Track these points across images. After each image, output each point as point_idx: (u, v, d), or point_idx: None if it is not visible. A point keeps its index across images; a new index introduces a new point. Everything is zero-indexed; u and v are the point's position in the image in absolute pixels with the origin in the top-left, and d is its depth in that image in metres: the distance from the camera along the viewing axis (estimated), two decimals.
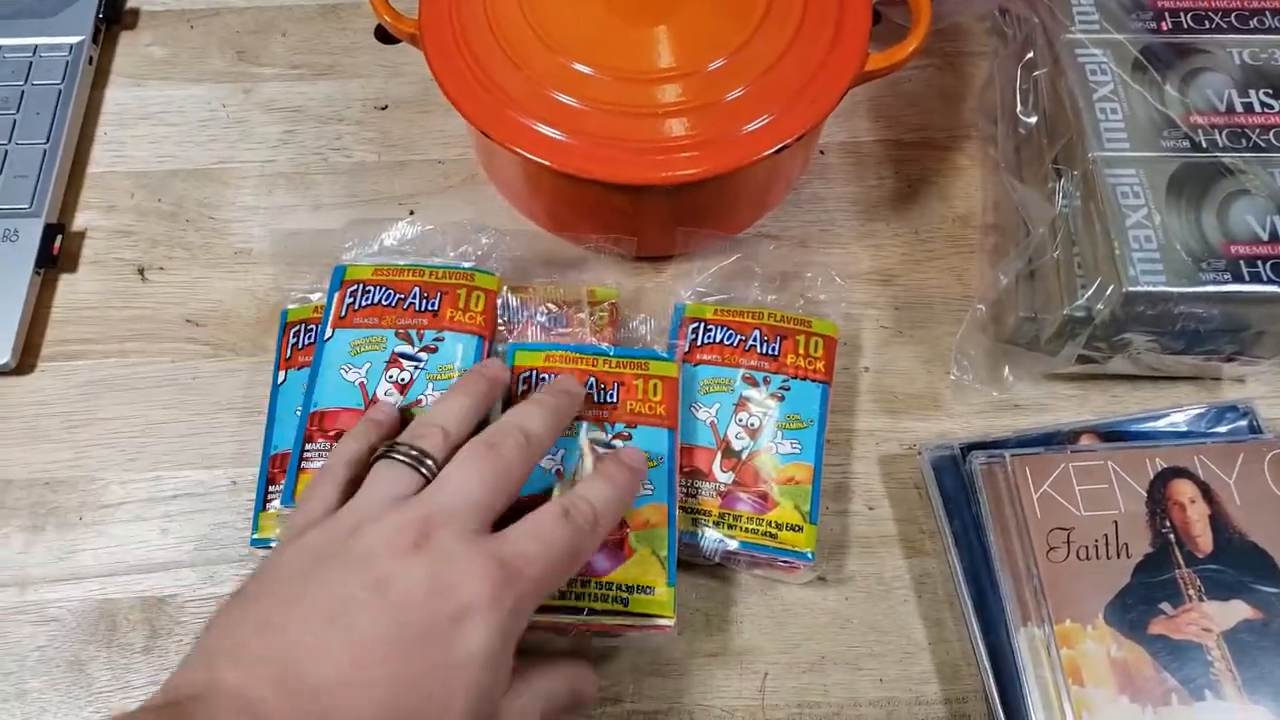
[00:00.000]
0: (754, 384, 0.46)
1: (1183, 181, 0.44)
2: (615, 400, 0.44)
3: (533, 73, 0.45)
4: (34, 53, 0.58)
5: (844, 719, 0.43)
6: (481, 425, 0.38)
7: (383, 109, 0.58)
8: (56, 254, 0.53)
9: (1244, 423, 0.48)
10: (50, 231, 0.53)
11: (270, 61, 0.60)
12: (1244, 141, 0.45)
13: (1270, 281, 0.42)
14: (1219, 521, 0.43)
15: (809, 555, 0.43)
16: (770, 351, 0.47)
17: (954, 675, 0.44)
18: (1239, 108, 0.46)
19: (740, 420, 0.45)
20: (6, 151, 0.55)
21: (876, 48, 0.47)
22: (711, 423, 0.45)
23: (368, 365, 0.44)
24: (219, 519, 0.47)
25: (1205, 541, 0.43)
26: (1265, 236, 0.43)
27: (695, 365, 0.47)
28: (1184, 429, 0.48)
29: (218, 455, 0.48)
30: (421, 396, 0.43)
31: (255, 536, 0.43)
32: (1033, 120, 0.49)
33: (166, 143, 0.57)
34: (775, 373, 0.46)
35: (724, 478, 0.44)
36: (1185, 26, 0.49)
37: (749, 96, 0.45)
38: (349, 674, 0.30)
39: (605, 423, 0.43)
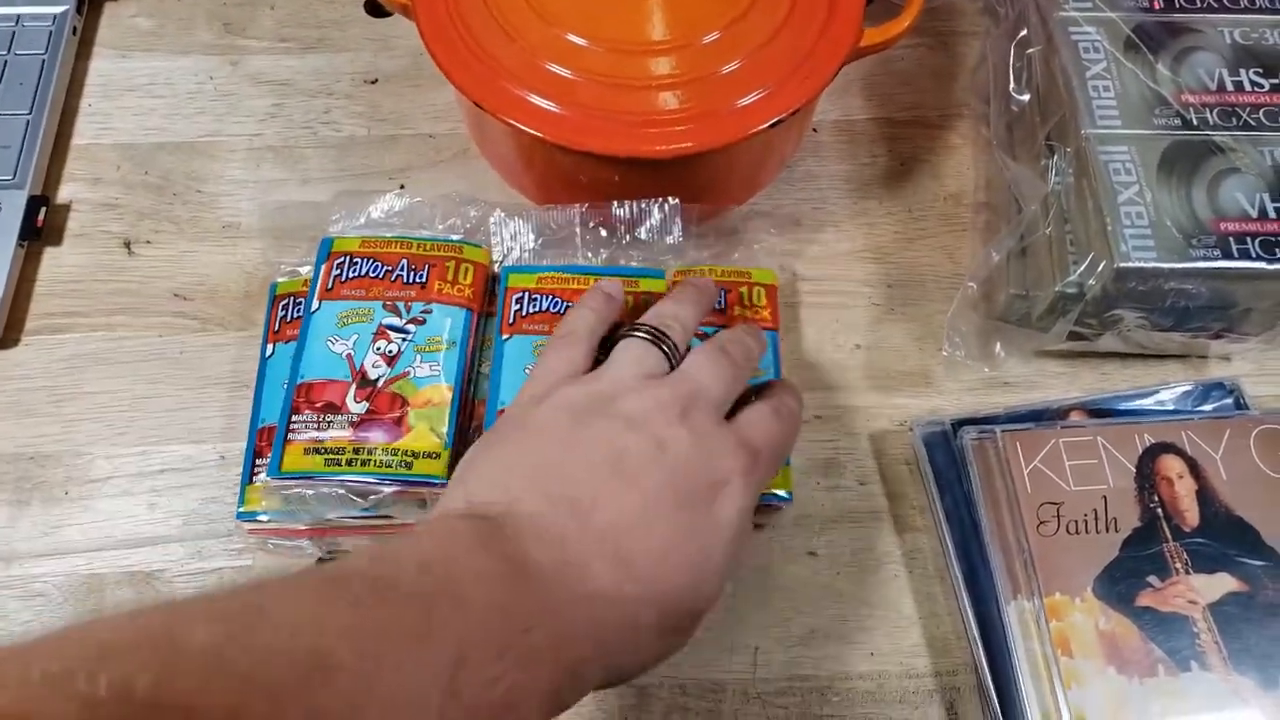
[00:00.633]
0: (704, 339, 0.46)
1: (1174, 159, 0.44)
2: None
3: (526, 44, 0.45)
4: (16, 22, 0.57)
5: (835, 692, 0.43)
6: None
7: (372, 83, 0.58)
8: (40, 226, 0.52)
9: (1230, 400, 0.48)
10: (34, 203, 0.52)
11: (258, 34, 0.59)
12: (1234, 120, 0.45)
13: (1259, 258, 0.42)
14: (1206, 496, 0.44)
15: (788, 496, 0.42)
16: (717, 306, 0.47)
17: (944, 648, 0.44)
18: (1230, 86, 0.46)
19: None
20: None
21: (870, 25, 0.47)
22: None
23: (355, 337, 0.44)
24: (207, 494, 0.47)
25: (1192, 516, 0.43)
26: (1254, 214, 0.43)
27: None
28: (1171, 406, 0.48)
29: (206, 430, 0.48)
30: (409, 369, 0.43)
31: (242, 509, 0.43)
32: (1025, 98, 0.50)
33: (153, 115, 0.57)
34: (725, 326, 0.46)
35: None
36: (1177, 5, 0.49)
37: (743, 71, 0.45)
38: (634, 518, 0.33)
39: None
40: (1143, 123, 0.45)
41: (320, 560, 0.44)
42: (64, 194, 0.54)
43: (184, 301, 0.51)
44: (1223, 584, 0.42)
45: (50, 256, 0.52)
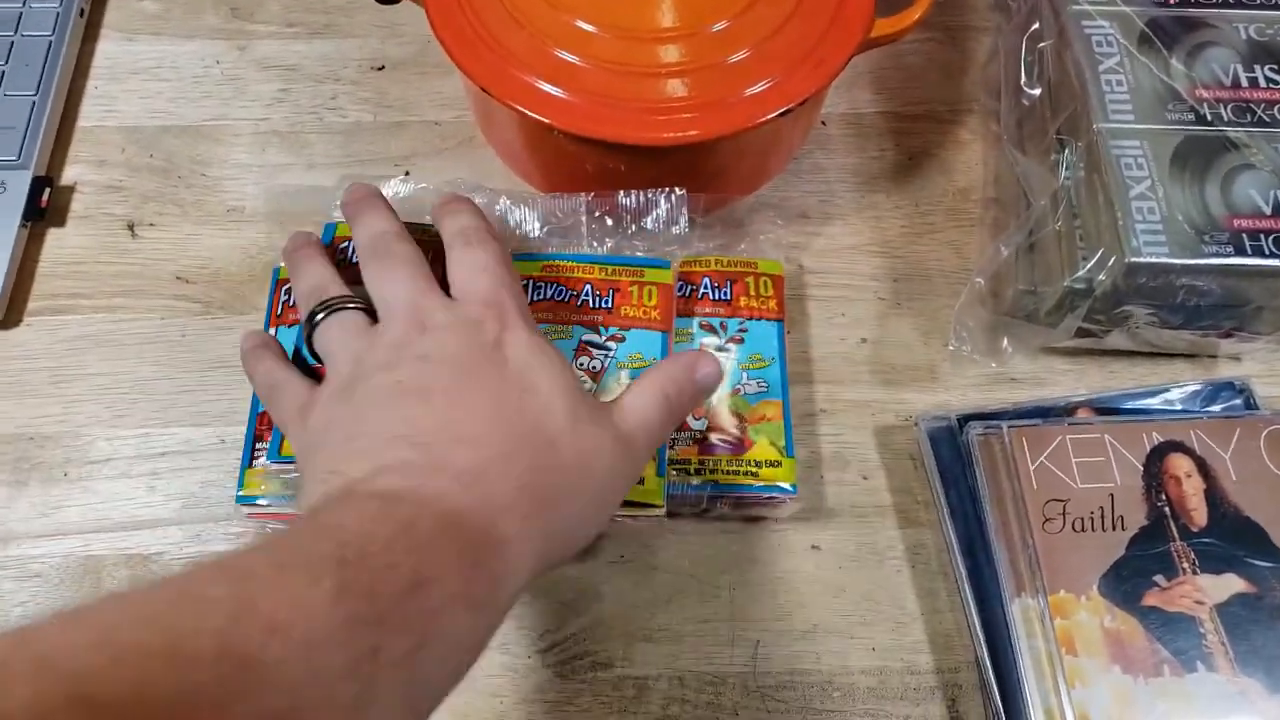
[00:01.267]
0: (712, 330, 0.46)
1: (1186, 154, 0.44)
2: (611, 305, 0.44)
3: (534, 30, 0.44)
4: (24, 4, 0.57)
5: (836, 687, 0.43)
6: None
7: (379, 69, 0.57)
8: (45, 207, 0.52)
9: (1239, 400, 0.48)
10: (38, 184, 0.52)
11: (265, 19, 0.59)
12: (1249, 116, 0.45)
13: (1272, 255, 0.42)
14: (1214, 496, 0.43)
15: (792, 488, 0.43)
16: (723, 297, 0.47)
17: (947, 645, 0.44)
18: (1244, 82, 0.46)
19: None
20: None
21: (880, 16, 0.47)
22: None
23: None
24: (207, 477, 0.46)
25: (1200, 515, 0.43)
26: (1268, 210, 0.43)
27: None
28: (1180, 406, 0.47)
29: (207, 413, 0.48)
30: None
31: (241, 493, 0.43)
32: (1036, 92, 0.49)
33: (159, 98, 0.56)
34: (730, 317, 0.46)
35: (697, 425, 0.44)
36: (1192, 0, 0.48)
37: (752, 59, 0.44)
38: (457, 427, 0.33)
39: (600, 326, 0.44)
40: (1155, 118, 0.45)
41: None
42: (68, 175, 0.54)
43: (186, 284, 0.51)
44: (1230, 585, 0.42)
45: (54, 238, 0.52)
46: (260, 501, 0.42)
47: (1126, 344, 0.48)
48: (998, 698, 0.41)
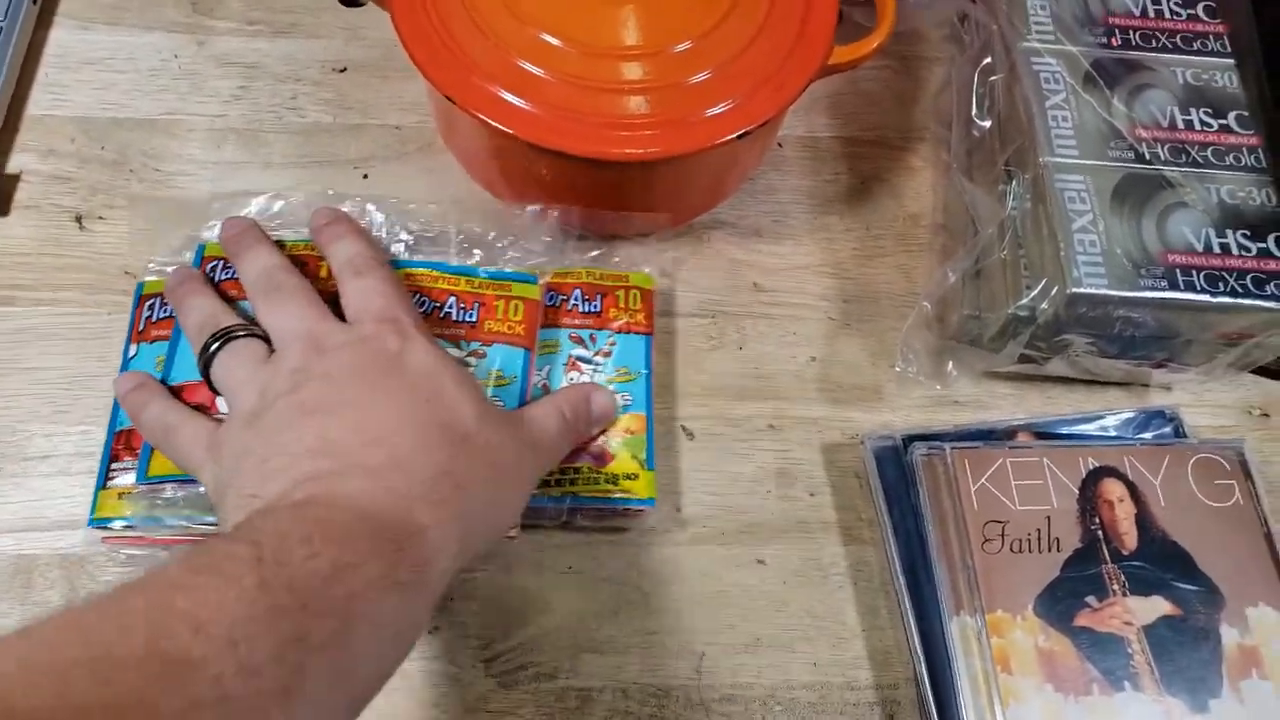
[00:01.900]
0: (581, 343, 0.47)
1: (1126, 191, 0.46)
2: (475, 320, 0.44)
3: (499, 40, 0.44)
4: None
5: (777, 701, 0.43)
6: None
7: (341, 71, 0.57)
8: None
9: (1169, 428, 0.49)
10: None
11: (226, 15, 0.58)
12: (1184, 157, 0.47)
13: (1203, 290, 0.43)
14: (1144, 520, 0.45)
15: (650, 501, 0.44)
16: (592, 309, 0.47)
17: (886, 661, 0.44)
18: (1180, 124, 0.48)
19: (572, 379, 0.46)
20: None
21: (839, 44, 0.48)
22: (544, 385, 0.46)
23: None
24: None
25: (1131, 539, 0.44)
26: (1200, 248, 0.44)
27: None
28: (1114, 432, 0.49)
29: None
30: None
31: (95, 517, 0.41)
32: (987, 124, 0.51)
33: (113, 90, 0.55)
34: (600, 329, 0.47)
35: None
36: (1134, 44, 0.50)
37: (713, 81, 0.45)
38: (369, 432, 0.35)
39: (461, 340, 0.44)
40: (1098, 154, 0.46)
41: None
42: (14, 164, 0.53)
43: (135, 280, 0.50)
44: (1157, 607, 0.43)
45: None
46: (116, 525, 0.41)
47: (1065, 371, 0.50)
48: (935, 715, 0.42)
